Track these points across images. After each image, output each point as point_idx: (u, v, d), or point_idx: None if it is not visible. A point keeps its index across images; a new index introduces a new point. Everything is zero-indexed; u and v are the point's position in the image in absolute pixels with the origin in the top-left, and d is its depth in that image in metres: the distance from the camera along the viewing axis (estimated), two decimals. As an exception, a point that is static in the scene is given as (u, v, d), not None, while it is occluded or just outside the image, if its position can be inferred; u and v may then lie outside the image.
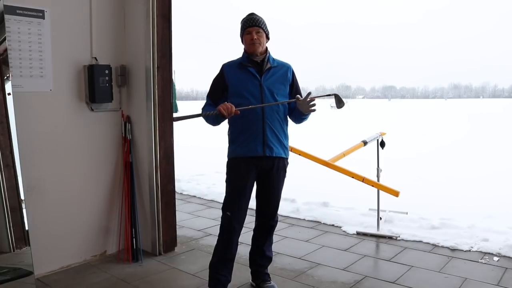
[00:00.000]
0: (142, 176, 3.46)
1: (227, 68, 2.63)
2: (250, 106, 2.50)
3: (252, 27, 2.57)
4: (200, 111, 2.58)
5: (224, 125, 2.70)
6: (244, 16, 2.65)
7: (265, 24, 2.61)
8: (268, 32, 2.63)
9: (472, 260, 3.29)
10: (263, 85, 2.57)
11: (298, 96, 2.59)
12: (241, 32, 2.63)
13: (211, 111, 2.51)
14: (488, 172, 7.21)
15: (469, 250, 3.47)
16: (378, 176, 4.02)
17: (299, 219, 4.49)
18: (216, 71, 2.72)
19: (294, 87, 2.71)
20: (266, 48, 2.64)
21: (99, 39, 3.24)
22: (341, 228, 4.14)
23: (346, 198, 4.97)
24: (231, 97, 2.60)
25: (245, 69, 2.59)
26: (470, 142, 11.85)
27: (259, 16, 2.61)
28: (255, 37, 2.55)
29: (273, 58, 2.66)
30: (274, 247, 2.96)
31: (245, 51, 2.63)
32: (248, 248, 2.89)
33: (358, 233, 3.97)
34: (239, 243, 2.68)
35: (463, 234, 3.78)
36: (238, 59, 2.66)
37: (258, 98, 2.56)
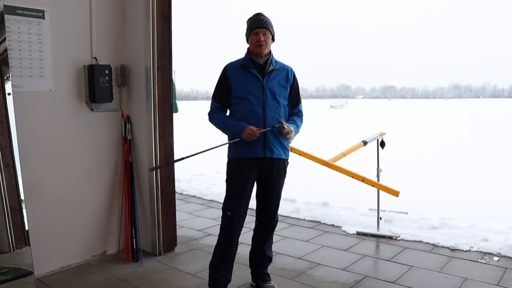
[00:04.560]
0: (142, 176, 3.46)
1: (229, 70, 2.62)
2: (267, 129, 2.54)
3: (259, 28, 2.56)
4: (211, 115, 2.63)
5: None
6: (251, 15, 2.64)
7: (272, 26, 2.61)
8: (274, 33, 2.63)
9: (472, 260, 3.29)
10: (265, 87, 2.58)
11: (282, 120, 2.58)
12: (247, 31, 2.62)
13: (230, 139, 2.60)
14: (488, 172, 7.21)
15: (469, 250, 3.47)
16: (378, 176, 4.02)
17: (299, 219, 4.49)
18: (216, 71, 2.71)
19: (293, 90, 2.72)
20: (270, 50, 2.64)
21: (99, 39, 3.24)
22: (341, 228, 4.14)
23: (346, 198, 4.97)
24: (234, 98, 2.61)
25: (248, 71, 2.59)
26: (470, 142, 11.84)
27: (266, 17, 2.60)
28: (262, 38, 2.55)
29: (276, 60, 2.66)
30: (274, 247, 2.96)
31: (249, 51, 2.63)
32: (248, 248, 2.90)
33: (358, 233, 3.97)
34: (239, 243, 2.68)
35: (463, 234, 3.78)
36: (240, 59, 2.66)
37: (260, 99, 2.56)
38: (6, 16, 2.73)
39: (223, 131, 2.66)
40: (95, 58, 3.22)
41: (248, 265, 2.91)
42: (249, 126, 2.50)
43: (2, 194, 2.70)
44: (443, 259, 3.34)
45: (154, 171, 3.32)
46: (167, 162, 2.48)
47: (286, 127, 2.55)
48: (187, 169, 6.91)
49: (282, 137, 2.59)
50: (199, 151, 2.65)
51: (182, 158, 2.61)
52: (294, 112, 2.75)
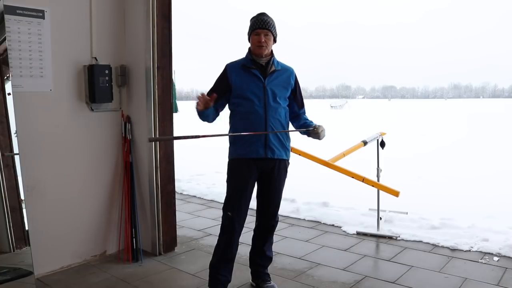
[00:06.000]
0: (142, 176, 3.46)
1: (230, 69, 2.62)
2: (252, 132, 2.51)
3: (261, 29, 2.55)
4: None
5: (225, 124, 2.70)
6: (255, 15, 2.63)
7: (274, 27, 2.59)
8: (276, 35, 2.62)
9: (472, 260, 3.29)
10: (267, 87, 2.57)
11: (316, 125, 2.61)
12: (249, 30, 2.61)
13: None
14: (488, 172, 7.21)
15: (469, 250, 3.47)
16: (378, 176, 4.01)
17: (299, 219, 4.49)
18: (216, 71, 2.71)
19: (295, 92, 2.72)
20: (272, 50, 2.64)
21: (99, 39, 3.24)
22: (341, 228, 4.14)
23: (346, 198, 4.97)
24: (234, 98, 2.60)
25: (249, 71, 2.58)
26: (470, 142, 11.84)
27: (270, 18, 2.59)
28: (263, 39, 2.54)
29: (278, 61, 2.66)
30: (274, 247, 2.96)
31: (250, 51, 2.63)
32: (248, 248, 2.89)
33: (358, 233, 3.97)
34: (239, 243, 2.68)
35: (463, 234, 3.77)
36: (241, 59, 2.65)
37: (262, 99, 2.55)
38: (6, 16, 2.73)
39: (200, 117, 2.61)
40: (95, 58, 3.22)
41: (248, 265, 2.91)
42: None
43: (2, 194, 2.70)
44: (443, 259, 3.34)
45: (153, 142, 3.29)
46: (168, 136, 2.42)
47: (317, 126, 2.59)
48: (187, 169, 6.92)
49: (315, 137, 2.61)
50: (203, 135, 2.57)
51: (184, 137, 2.53)
52: (301, 112, 2.76)
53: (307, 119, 2.74)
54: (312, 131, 2.59)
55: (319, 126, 2.60)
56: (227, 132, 2.64)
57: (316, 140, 2.65)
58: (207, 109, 2.50)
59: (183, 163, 5.72)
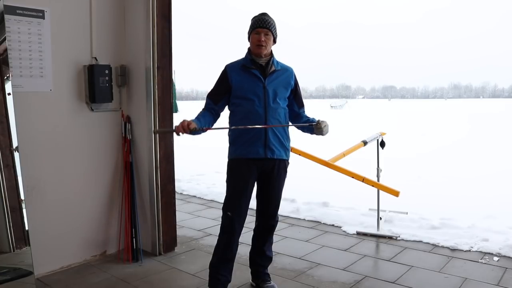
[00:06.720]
0: (142, 176, 3.46)
1: (230, 69, 2.62)
2: (245, 126, 2.50)
3: (261, 28, 2.55)
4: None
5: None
6: (257, 14, 2.63)
7: (275, 28, 2.60)
8: (276, 35, 2.62)
9: (472, 260, 3.29)
10: (267, 87, 2.57)
11: (319, 120, 2.60)
12: (250, 29, 2.61)
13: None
14: (488, 172, 7.21)
15: (469, 250, 3.47)
16: (378, 176, 4.01)
17: (299, 219, 4.49)
18: (216, 71, 2.70)
19: (295, 91, 2.72)
20: (271, 50, 2.64)
21: (99, 39, 3.24)
22: (341, 228, 4.14)
23: (346, 198, 4.97)
24: (234, 98, 2.60)
25: (249, 71, 2.58)
26: (470, 142, 11.83)
27: (271, 18, 2.59)
28: (263, 39, 2.54)
29: (277, 61, 2.66)
30: (274, 247, 2.96)
31: (250, 51, 2.63)
32: (248, 248, 2.90)
33: (358, 233, 3.97)
34: (239, 243, 2.68)
35: (463, 234, 3.78)
36: (241, 60, 2.65)
37: (262, 100, 2.55)
38: (6, 16, 2.73)
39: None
40: (95, 58, 3.22)
41: (248, 265, 2.91)
42: (189, 120, 2.42)
43: (2, 194, 2.70)
44: (443, 259, 3.34)
45: (157, 134, 3.28)
46: (169, 129, 2.35)
47: (321, 121, 2.58)
48: (187, 169, 6.92)
49: (319, 132, 2.59)
50: (207, 127, 2.52)
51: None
52: (301, 111, 2.76)
53: (309, 117, 2.74)
54: (315, 126, 2.58)
55: (322, 121, 2.59)
56: (227, 132, 2.65)
57: (316, 140, 2.65)
58: (196, 131, 2.44)
59: (183, 163, 5.73)
